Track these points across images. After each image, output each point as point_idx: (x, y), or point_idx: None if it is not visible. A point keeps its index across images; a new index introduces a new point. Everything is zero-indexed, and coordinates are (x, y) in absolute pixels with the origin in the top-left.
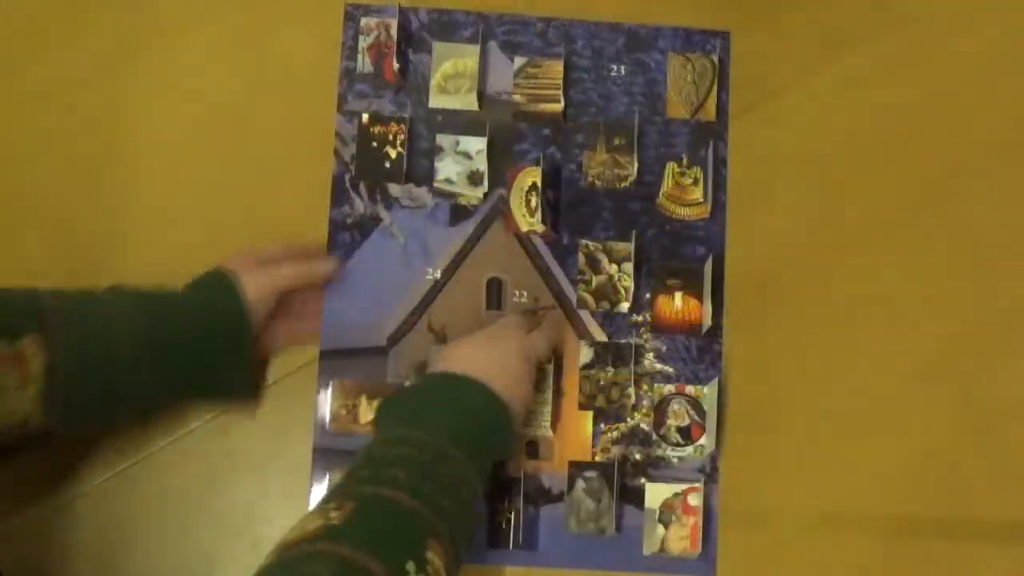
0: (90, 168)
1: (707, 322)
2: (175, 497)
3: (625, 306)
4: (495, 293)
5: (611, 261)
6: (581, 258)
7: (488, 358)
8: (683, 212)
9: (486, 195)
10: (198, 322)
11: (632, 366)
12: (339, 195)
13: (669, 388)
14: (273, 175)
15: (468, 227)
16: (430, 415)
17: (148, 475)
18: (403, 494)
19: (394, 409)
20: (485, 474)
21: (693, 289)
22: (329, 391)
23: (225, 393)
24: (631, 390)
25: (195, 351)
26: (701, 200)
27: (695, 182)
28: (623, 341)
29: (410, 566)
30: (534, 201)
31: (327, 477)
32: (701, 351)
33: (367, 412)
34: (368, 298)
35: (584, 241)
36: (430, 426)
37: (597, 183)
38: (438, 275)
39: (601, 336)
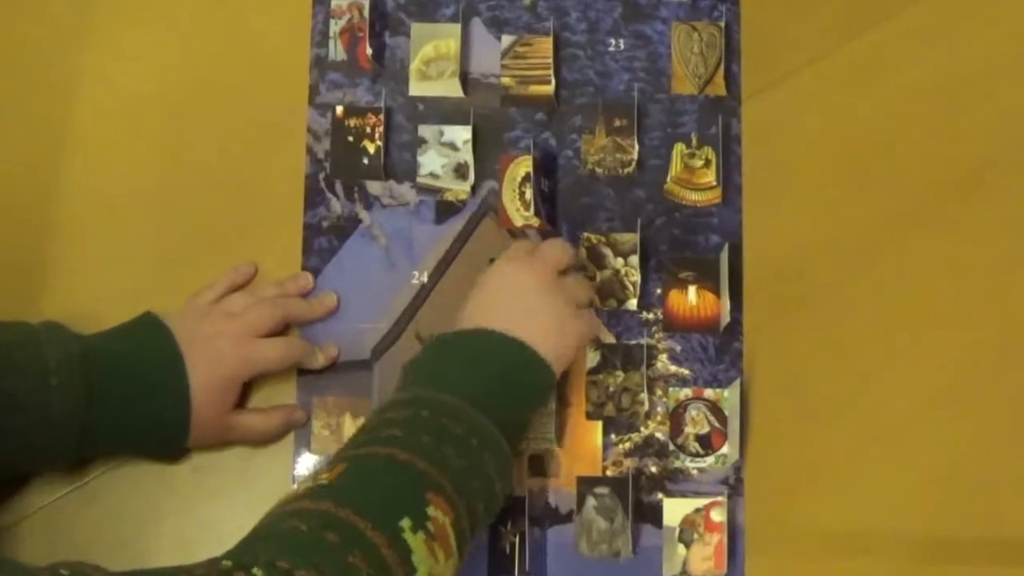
0: (33, 164)
1: (725, 318)
2: (136, 518)
3: (633, 303)
4: None
5: (616, 254)
6: (583, 253)
7: (494, 302)
8: (694, 197)
9: (474, 189)
10: (132, 401)
11: (644, 369)
12: (313, 196)
13: (686, 392)
14: (240, 176)
15: (456, 225)
16: (436, 372)
17: (105, 494)
18: (398, 449)
19: (405, 375)
20: (515, 427)
21: (708, 282)
22: (310, 410)
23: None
24: (643, 396)
25: (126, 428)
26: (714, 183)
27: (706, 164)
28: (633, 342)
29: (404, 523)
30: (528, 193)
31: None
32: (720, 350)
33: (351, 431)
34: (349, 307)
35: (585, 234)
36: (436, 383)
37: (598, 170)
38: (424, 278)
39: (608, 337)
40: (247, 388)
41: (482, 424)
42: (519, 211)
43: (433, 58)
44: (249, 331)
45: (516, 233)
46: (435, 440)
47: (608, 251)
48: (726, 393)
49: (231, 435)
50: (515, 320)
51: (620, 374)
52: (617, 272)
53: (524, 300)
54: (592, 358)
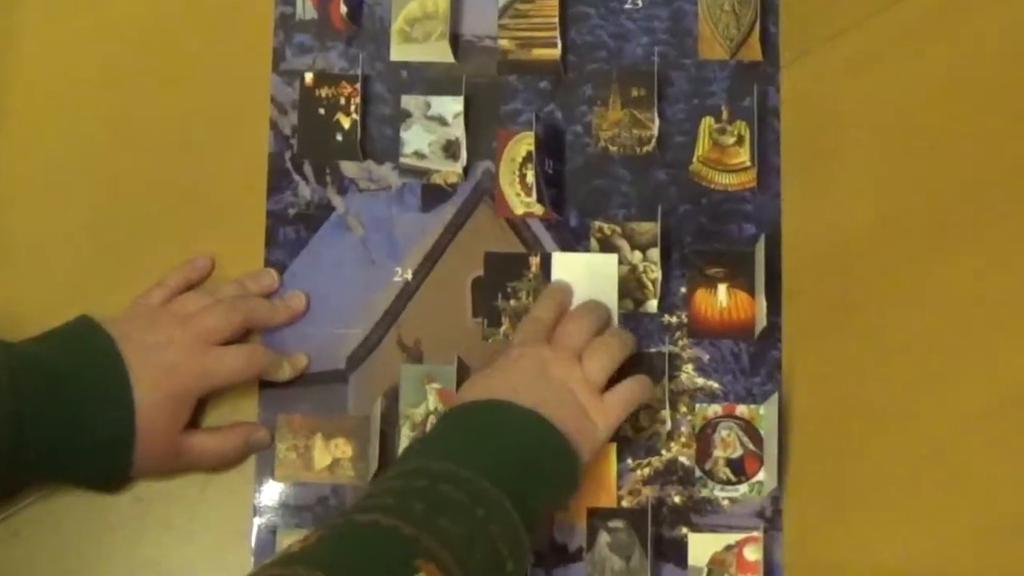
0: None
1: (761, 322)
2: (70, 557)
3: (653, 304)
4: (484, 296)
5: (633, 247)
6: (594, 245)
7: (507, 379)
8: (725, 180)
9: (467, 171)
10: (67, 422)
11: (665, 382)
12: (278, 179)
13: (715, 409)
14: (192, 155)
15: (446, 213)
16: (438, 440)
17: (33, 529)
18: (383, 515)
19: (407, 450)
20: (533, 510)
21: (741, 279)
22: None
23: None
24: (665, 413)
25: (60, 454)
26: (747, 163)
27: (739, 141)
28: (653, 350)
29: None
30: (530, 176)
31: (275, 539)
32: (755, 360)
33: (323, 455)
34: (320, 310)
35: (597, 223)
36: (438, 451)
37: (611, 148)
38: (409, 275)
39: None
40: (201, 405)
41: (489, 493)
42: (519, 197)
43: (419, 17)
44: (204, 337)
45: (517, 223)
46: (430, 508)
47: (624, 243)
48: (762, 410)
49: (182, 459)
50: (533, 394)
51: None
52: (634, 268)
53: (543, 377)
54: None
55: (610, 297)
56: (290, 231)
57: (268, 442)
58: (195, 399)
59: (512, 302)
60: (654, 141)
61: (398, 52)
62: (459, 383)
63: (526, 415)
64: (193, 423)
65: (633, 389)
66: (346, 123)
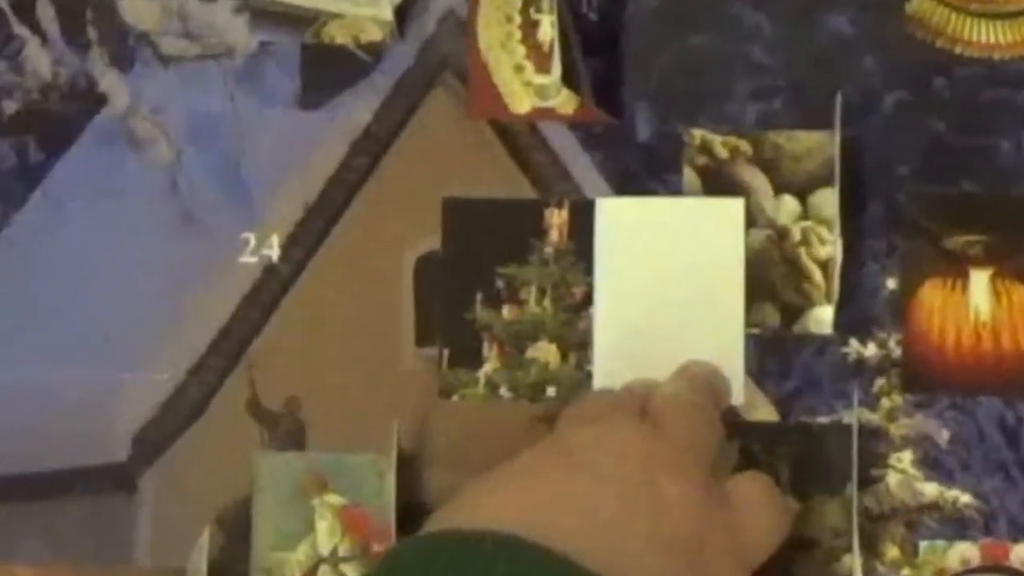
0: None
1: None
2: None
3: (826, 315)
4: (442, 298)
5: (779, 188)
6: (691, 179)
7: (564, 500)
8: (985, 38)
9: (403, 16)
10: None
11: (854, 489)
12: None
13: (964, 552)
14: None
15: (357, 112)
16: None
17: None
18: None
19: None
20: None
21: (1019, 260)
22: None
23: None
24: (852, 560)
25: None
26: None
27: None
28: (825, 420)
29: None
30: (546, 28)
31: None
32: None
33: None
34: (71, 323)
35: (697, 132)
36: None
37: None
38: (275, 251)
39: (764, 408)
40: None
41: None
42: (521, 75)
43: None
44: None
45: (515, 133)
46: None
47: (759, 176)
48: None
49: None
50: (623, 548)
51: (793, 502)
52: (783, 234)
53: (656, 507)
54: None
55: (730, 298)
56: (7, 149)
57: None
58: None
59: (505, 310)
60: None
61: None
62: (427, 513)
63: None
64: None
65: None
66: None
